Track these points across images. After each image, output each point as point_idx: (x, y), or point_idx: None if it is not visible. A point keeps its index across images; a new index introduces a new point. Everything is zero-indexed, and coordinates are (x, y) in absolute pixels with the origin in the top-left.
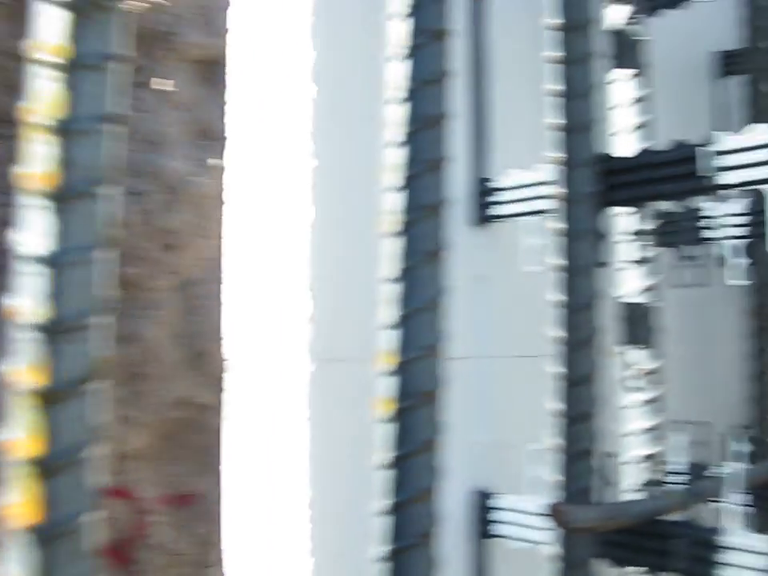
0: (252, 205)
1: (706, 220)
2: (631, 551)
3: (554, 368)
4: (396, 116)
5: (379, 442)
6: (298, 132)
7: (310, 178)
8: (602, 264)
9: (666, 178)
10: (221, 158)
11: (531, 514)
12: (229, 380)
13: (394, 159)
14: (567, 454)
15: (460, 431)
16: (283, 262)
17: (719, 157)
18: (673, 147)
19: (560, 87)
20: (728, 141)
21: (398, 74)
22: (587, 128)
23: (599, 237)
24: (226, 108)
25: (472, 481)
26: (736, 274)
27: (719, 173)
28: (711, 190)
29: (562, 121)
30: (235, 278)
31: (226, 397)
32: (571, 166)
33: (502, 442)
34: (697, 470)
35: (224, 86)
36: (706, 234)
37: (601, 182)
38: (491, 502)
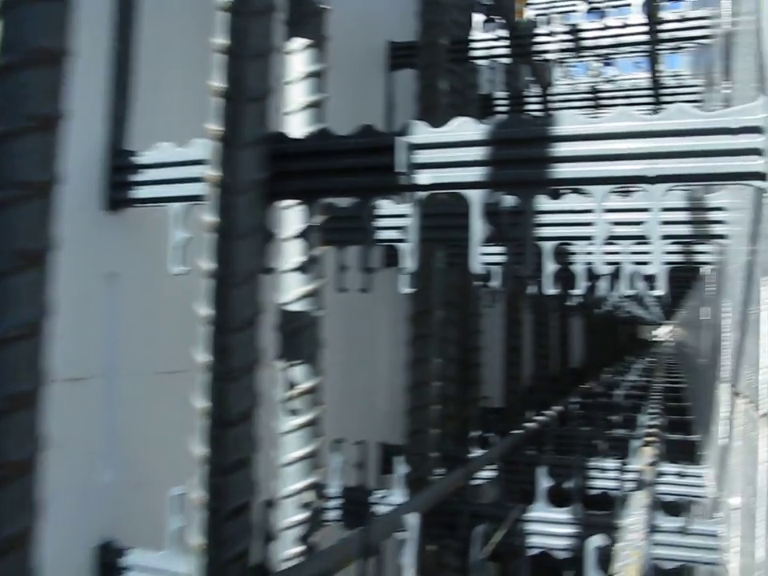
0: None
1: (378, 219)
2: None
3: (201, 402)
4: None
5: None
6: None
7: None
8: (268, 270)
9: (350, 170)
10: None
11: None
12: None
13: None
14: (216, 511)
15: (80, 468)
16: None
17: (416, 151)
18: (361, 133)
19: (228, 42)
20: (428, 134)
21: None
22: (260, 98)
23: (265, 236)
24: None
25: (94, 531)
26: (402, 279)
27: (415, 170)
28: (405, 189)
29: (227, 85)
30: None
31: None
32: (235, 144)
33: (137, 483)
34: (356, 495)
35: None
36: (375, 235)
37: (270, 168)
38: (121, 560)
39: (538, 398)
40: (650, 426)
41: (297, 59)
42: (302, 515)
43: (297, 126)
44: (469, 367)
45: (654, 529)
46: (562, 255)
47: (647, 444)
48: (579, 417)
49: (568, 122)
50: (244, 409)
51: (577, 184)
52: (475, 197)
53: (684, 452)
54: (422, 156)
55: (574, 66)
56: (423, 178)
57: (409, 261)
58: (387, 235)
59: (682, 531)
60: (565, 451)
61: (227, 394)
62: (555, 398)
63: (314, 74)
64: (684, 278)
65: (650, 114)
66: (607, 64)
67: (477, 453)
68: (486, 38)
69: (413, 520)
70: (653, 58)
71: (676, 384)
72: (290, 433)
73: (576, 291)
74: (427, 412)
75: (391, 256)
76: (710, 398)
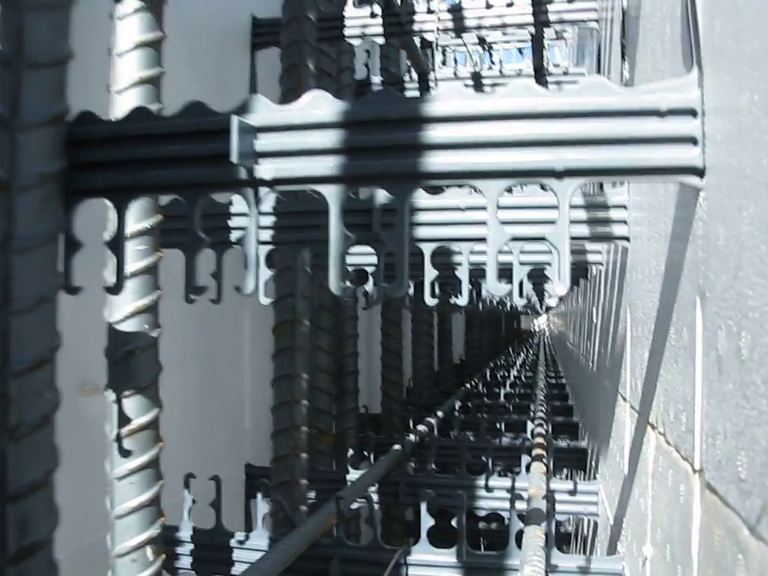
0: None
1: (227, 219)
2: None
3: None
4: None
5: None
6: None
7: None
8: (72, 289)
9: (174, 160)
10: None
11: None
12: None
13: None
14: None
15: None
16: None
17: (258, 136)
18: (188, 113)
19: None
20: (271, 113)
21: None
22: (50, 64)
23: (68, 245)
24: None
25: None
26: (259, 287)
27: (256, 160)
28: (243, 184)
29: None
30: None
31: None
32: (14, 125)
33: None
34: (211, 540)
35: None
36: (225, 236)
37: (70, 158)
38: None
39: (418, 401)
40: (537, 435)
41: (127, 25)
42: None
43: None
44: (343, 376)
45: (552, 570)
46: (445, 255)
47: (535, 459)
48: (463, 422)
49: (450, 97)
50: (34, 477)
51: (461, 178)
52: (332, 194)
53: (572, 460)
54: (265, 142)
55: (453, 51)
56: (265, 170)
57: (252, 270)
58: (246, 237)
59: (583, 571)
60: (449, 463)
61: (7, 458)
62: (437, 400)
63: (148, 44)
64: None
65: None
66: (490, 51)
67: (350, 475)
68: (358, 15)
69: None
70: (538, 43)
71: (558, 380)
72: (124, 478)
73: (461, 300)
74: (296, 434)
75: None
76: (603, 410)
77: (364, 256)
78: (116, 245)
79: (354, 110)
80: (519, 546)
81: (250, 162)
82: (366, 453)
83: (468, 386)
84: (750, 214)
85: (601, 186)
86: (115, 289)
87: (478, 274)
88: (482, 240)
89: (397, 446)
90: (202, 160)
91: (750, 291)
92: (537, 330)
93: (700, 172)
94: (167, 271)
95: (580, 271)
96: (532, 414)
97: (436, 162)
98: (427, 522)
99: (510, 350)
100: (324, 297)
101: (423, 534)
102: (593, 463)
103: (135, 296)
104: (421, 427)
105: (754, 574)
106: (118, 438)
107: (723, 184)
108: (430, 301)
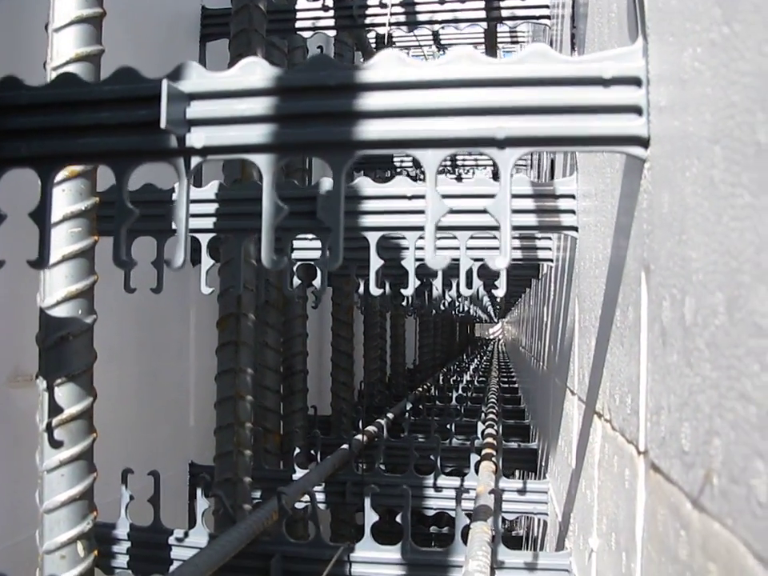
0: None
1: (168, 206)
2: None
3: None
4: None
5: None
6: None
7: None
8: None
9: (101, 127)
10: None
11: None
12: None
13: None
14: None
15: None
16: None
17: (190, 103)
18: (117, 78)
19: None
20: (204, 79)
21: None
22: None
23: None
24: None
25: None
26: (202, 278)
27: (188, 128)
28: (174, 153)
29: None
30: None
31: None
32: None
33: None
34: (148, 537)
35: None
36: (166, 224)
37: None
38: None
39: (369, 403)
40: (487, 435)
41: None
42: (72, 572)
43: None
44: (291, 375)
45: (498, 566)
46: (393, 250)
47: (485, 458)
48: (413, 424)
49: (388, 64)
50: None
51: (399, 147)
52: (265, 163)
53: (523, 461)
54: (197, 109)
55: (408, 50)
56: (197, 138)
57: (182, 243)
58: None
59: (530, 567)
60: (398, 464)
61: None
62: (388, 403)
63: (87, 20)
64: (520, 276)
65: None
66: (444, 49)
67: (297, 474)
68: (310, 8)
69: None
70: (491, 39)
71: (511, 384)
72: (55, 470)
73: (407, 291)
74: (239, 430)
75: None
76: (552, 407)
77: (312, 251)
78: (40, 217)
79: (289, 76)
80: (466, 543)
81: (181, 129)
82: (313, 452)
83: (420, 389)
84: (693, 173)
85: (552, 174)
86: (38, 263)
87: (428, 272)
88: None
89: (345, 446)
90: (132, 128)
91: (694, 253)
92: (491, 338)
93: (644, 142)
94: (108, 261)
95: (531, 270)
96: (483, 416)
97: (373, 129)
98: (371, 517)
99: (464, 356)
100: (271, 293)
101: (367, 530)
102: (543, 464)
103: (69, 280)
104: (370, 428)
105: (696, 548)
106: (49, 428)
107: (668, 149)
108: (375, 291)
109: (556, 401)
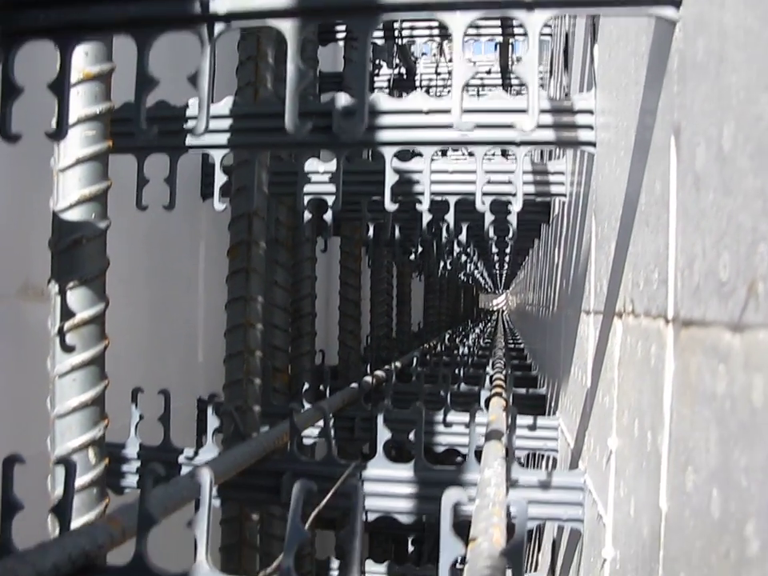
0: None
1: (182, 122)
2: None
3: None
4: None
5: None
6: None
7: None
8: (12, 138)
9: None
10: None
11: None
12: None
13: None
14: None
15: None
16: None
17: None
18: None
19: None
20: None
21: None
22: None
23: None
24: None
25: None
26: (215, 193)
27: None
28: (197, 20)
29: None
30: None
31: None
32: None
33: None
34: (158, 456)
35: None
36: (179, 141)
37: None
38: None
39: (376, 356)
40: (496, 380)
41: None
42: (83, 479)
43: None
44: (300, 317)
45: (512, 484)
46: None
47: (495, 395)
48: (421, 375)
49: None
50: None
51: (426, 9)
52: (290, 30)
53: (532, 406)
54: None
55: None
56: (221, 3)
57: (203, 111)
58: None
59: (543, 486)
60: (405, 407)
61: None
62: (395, 358)
63: None
64: (529, 225)
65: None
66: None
67: (307, 407)
68: None
69: (205, 476)
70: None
71: (516, 345)
72: (66, 375)
73: (422, 206)
74: (249, 359)
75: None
76: (564, 343)
77: (323, 185)
78: (59, 88)
79: None
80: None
81: None
82: (322, 388)
83: (427, 345)
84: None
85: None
86: (56, 135)
87: (441, 207)
88: (445, 144)
89: (354, 385)
90: None
91: (734, 76)
92: (495, 308)
93: (677, 2)
94: (120, 186)
95: (542, 215)
96: (491, 364)
97: None
98: (384, 435)
99: (469, 321)
100: (281, 232)
101: (379, 448)
102: (552, 406)
103: (82, 183)
104: (379, 372)
105: (737, 372)
106: (61, 333)
107: None
108: (390, 206)
109: (568, 334)
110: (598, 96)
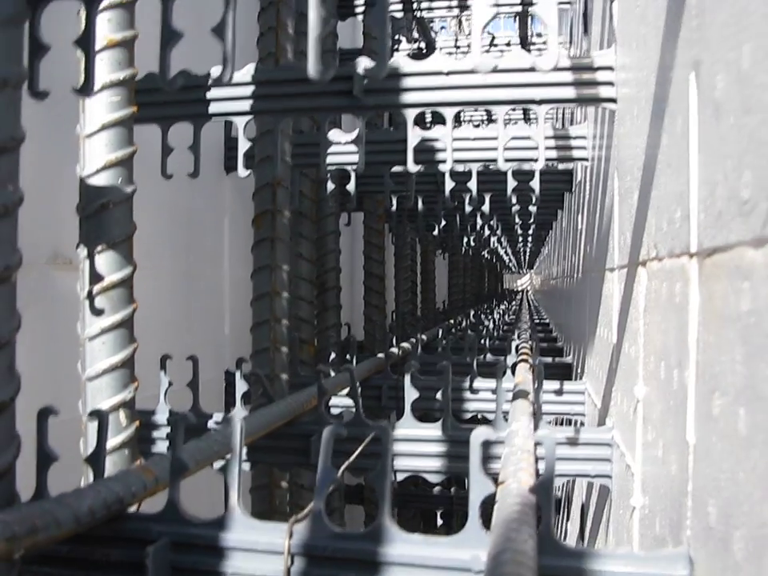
0: None
1: (205, 91)
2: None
3: None
4: None
5: None
6: None
7: None
8: (40, 94)
9: None
10: None
11: None
12: None
13: None
14: None
15: None
16: None
17: None
18: None
19: None
20: None
21: None
22: None
23: (32, 50)
24: None
25: None
26: (239, 160)
27: None
28: None
29: None
30: None
31: None
32: None
33: None
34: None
35: None
36: (202, 109)
37: None
38: None
39: (402, 332)
40: (522, 348)
41: None
42: (115, 440)
43: None
44: (325, 291)
45: (538, 441)
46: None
47: (521, 361)
48: (447, 344)
49: None
50: None
51: None
52: None
53: (559, 375)
54: None
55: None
56: None
57: (229, 59)
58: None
59: (571, 442)
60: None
61: None
62: (420, 332)
63: None
64: (553, 193)
65: None
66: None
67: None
68: None
69: (236, 424)
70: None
71: (541, 320)
72: (96, 338)
73: (444, 165)
74: (276, 326)
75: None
76: (590, 306)
77: (346, 155)
78: (85, 45)
79: None
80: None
81: None
82: (348, 357)
83: (452, 321)
84: None
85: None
86: (84, 90)
87: (463, 179)
88: (467, 104)
89: (380, 355)
90: None
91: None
92: (519, 289)
93: None
94: (145, 156)
95: (564, 185)
96: (517, 334)
97: None
98: (411, 394)
99: (494, 300)
100: (304, 204)
101: (407, 409)
102: (579, 372)
103: (108, 148)
104: (404, 344)
105: (761, 286)
106: (90, 296)
107: None
108: (412, 167)
109: (593, 296)
110: (618, 52)
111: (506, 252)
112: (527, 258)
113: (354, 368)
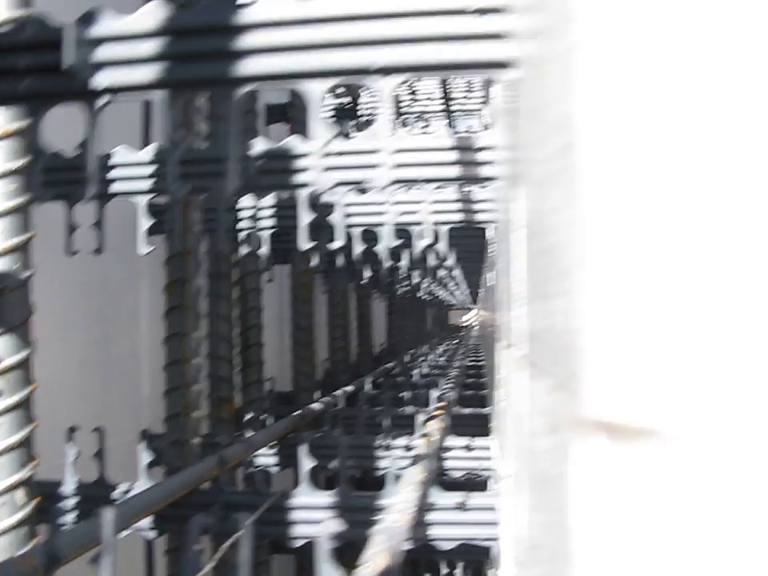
0: None
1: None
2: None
3: None
4: None
5: None
6: None
7: None
8: None
9: (11, 72)
10: None
11: None
12: None
13: None
14: None
15: None
16: None
17: (94, 48)
18: (23, 25)
19: None
20: (106, 25)
21: None
22: None
23: None
24: None
25: None
26: (147, 240)
27: (92, 70)
28: (80, 96)
29: None
30: None
31: None
32: None
33: None
34: (94, 492)
35: None
36: (106, 188)
37: None
38: None
39: (334, 381)
40: (441, 400)
41: None
42: (12, 519)
43: None
44: (248, 347)
45: (428, 507)
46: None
47: (432, 417)
48: (370, 398)
49: (270, 3)
50: None
51: (286, 79)
52: (163, 101)
53: (476, 426)
54: (101, 52)
55: None
56: (100, 80)
57: (92, 179)
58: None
59: (460, 507)
60: (348, 432)
61: None
62: (352, 381)
63: None
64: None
65: None
66: None
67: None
68: None
69: (107, 516)
70: None
71: (477, 362)
72: None
73: (335, 245)
74: (186, 393)
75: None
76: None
77: (257, 221)
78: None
79: (179, 17)
80: None
81: (86, 72)
82: (265, 417)
83: (383, 368)
84: None
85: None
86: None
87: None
88: (353, 183)
89: (298, 412)
90: (42, 71)
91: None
92: (465, 324)
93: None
94: (55, 230)
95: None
96: (440, 386)
97: (259, 65)
98: (306, 464)
99: (434, 340)
100: (222, 265)
101: (303, 477)
102: (491, 425)
103: (4, 236)
104: (326, 398)
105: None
106: None
107: None
108: (304, 245)
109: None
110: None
111: (449, 293)
112: (472, 294)
113: (264, 435)
